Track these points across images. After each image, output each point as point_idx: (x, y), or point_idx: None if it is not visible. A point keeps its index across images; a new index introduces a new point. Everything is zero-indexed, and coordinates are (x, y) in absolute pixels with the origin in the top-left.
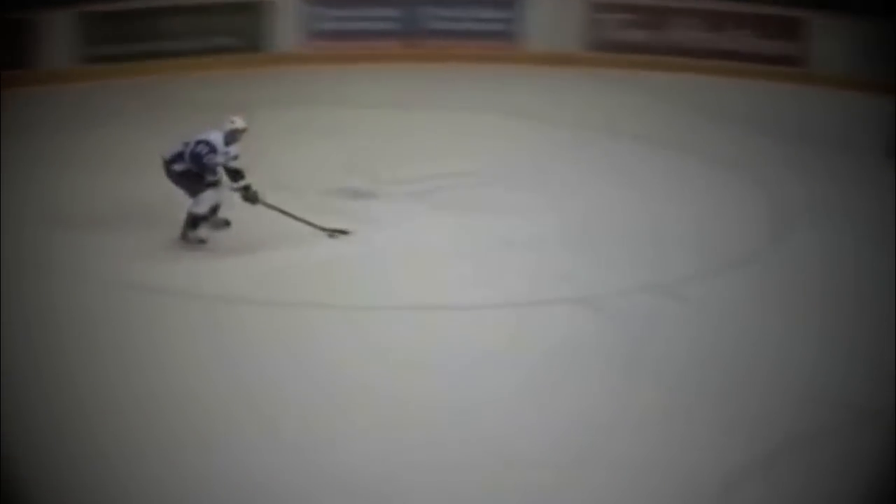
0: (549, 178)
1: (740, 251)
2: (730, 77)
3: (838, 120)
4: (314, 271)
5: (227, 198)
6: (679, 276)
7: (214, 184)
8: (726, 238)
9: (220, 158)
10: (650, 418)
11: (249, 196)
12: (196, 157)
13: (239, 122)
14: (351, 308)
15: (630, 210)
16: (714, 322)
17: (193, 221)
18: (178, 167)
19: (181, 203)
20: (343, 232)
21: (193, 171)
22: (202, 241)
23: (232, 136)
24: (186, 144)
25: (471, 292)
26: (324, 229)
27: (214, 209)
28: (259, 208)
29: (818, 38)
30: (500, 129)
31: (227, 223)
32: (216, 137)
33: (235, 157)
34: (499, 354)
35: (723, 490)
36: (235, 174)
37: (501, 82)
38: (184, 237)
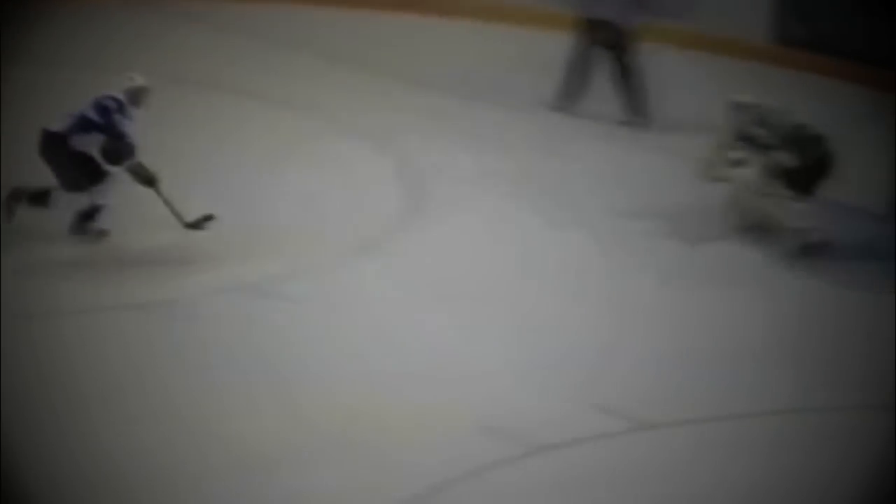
0: None
1: (365, 235)
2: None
3: (491, 63)
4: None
5: (111, 197)
6: (281, 272)
7: (103, 174)
8: (344, 219)
9: (126, 124)
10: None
11: (144, 175)
12: (105, 111)
13: (139, 80)
14: None
15: (213, 194)
16: (331, 322)
17: (40, 201)
18: (76, 142)
19: None
20: (208, 218)
21: (88, 156)
22: (9, 219)
23: (134, 98)
24: (71, 115)
25: None
26: (190, 225)
27: (94, 212)
28: None
29: None
30: None
31: (103, 233)
32: (120, 97)
33: None
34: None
35: None
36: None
37: None
38: (10, 197)
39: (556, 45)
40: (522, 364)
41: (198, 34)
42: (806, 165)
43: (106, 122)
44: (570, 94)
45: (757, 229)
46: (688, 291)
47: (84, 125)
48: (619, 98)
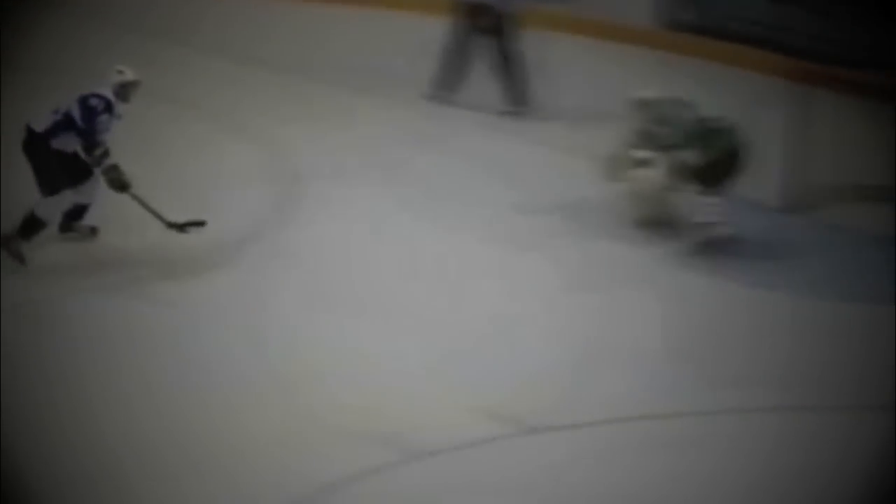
0: None
1: (236, 235)
2: None
3: (365, 50)
4: None
5: (97, 195)
6: (153, 272)
7: (89, 172)
8: (214, 217)
9: (113, 123)
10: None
11: (118, 180)
12: (90, 113)
13: (129, 73)
14: None
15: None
16: (201, 326)
17: (33, 228)
18: (59, 142)
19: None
20: (199, 224)
21: (72, 154)
22: (21, 261)
23: (123, 94)
24: (57, 112)
25: None
26: (175, 225)
27: (80, 211)
28: None
29: None
30: None
31: (94, 230)
32: (108, 94)
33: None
34: None
35: None
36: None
37: None
38: (6, 244)
39: (434, 31)
40: (404, 367)
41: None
42: (711, 161)
43: (87, 125)
44: (448, 83)
45: (660, 225)
46: (579, 292)
47: (66, 125)
48: (500, 87)
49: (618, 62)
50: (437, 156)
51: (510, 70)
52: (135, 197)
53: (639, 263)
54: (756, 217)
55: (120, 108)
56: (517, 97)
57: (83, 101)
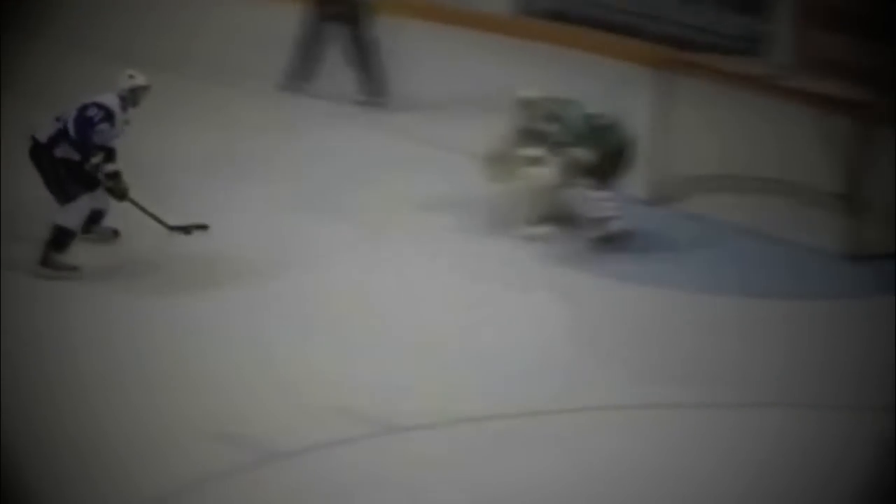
0: None
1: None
2: None
3: (216, 39)
4: None
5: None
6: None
7: (95, 178)
8: None
9: (116, 131)
10: None
11: (118, 187)
12: (85, 124)
13: (140, 78)
14: None
15: None
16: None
17: (62, 239)
18: (61, 151)
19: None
20: (201, 227)
21: (79, 161)
22: (74, 270)
23: (132, 98)
24: (59, 120)
25: None
26: (177, 228)
27: (98, 216)
28: None
29: None
30: None
31: (115, 233)
32: (111, 101)
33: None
34: None
35: None
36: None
37: None
38: (46, 263)
39: (287, 20)
40: (262, 365)
41: None
42: (602, 157)
43: (79, 136)
44: (301, 73)
45: (552, 222)
46: (458, 289)
47: (65, 135)
48: (356, 76)
49: (476, 50)
50: (292, 147)
51: (365, 59)
52: (134, 203)
53: (526, 261)
54: (628, 210)
55: (128, 113)
56: (374, 87)
57: (80, 111)
